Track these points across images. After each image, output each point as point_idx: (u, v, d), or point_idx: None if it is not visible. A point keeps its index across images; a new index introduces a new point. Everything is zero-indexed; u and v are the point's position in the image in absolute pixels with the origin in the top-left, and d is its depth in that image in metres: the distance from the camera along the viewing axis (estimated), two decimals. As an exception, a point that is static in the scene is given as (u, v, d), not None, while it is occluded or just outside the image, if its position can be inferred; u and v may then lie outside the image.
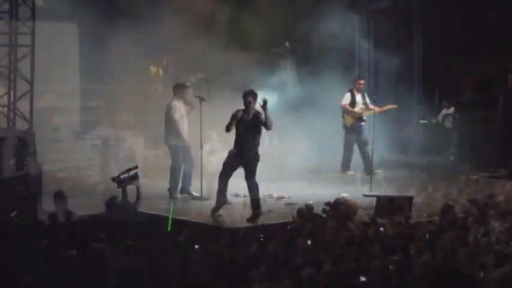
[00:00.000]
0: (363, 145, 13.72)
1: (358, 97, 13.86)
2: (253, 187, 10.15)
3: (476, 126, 14.93)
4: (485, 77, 16.00)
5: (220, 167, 10.38)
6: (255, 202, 10.14)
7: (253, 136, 10.10)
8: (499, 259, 6.36)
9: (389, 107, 14.02)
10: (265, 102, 9.90)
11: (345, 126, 13.92)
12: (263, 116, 9.96)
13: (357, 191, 11.88)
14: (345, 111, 13.81)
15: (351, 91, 13.88)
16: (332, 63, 14.66)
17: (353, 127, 13.80)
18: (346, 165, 13.92)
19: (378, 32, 16.08)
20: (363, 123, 13.88)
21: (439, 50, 16.01)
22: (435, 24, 15.73)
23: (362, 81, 14.13)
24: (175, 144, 11.73)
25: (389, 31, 15.61)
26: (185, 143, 11.73)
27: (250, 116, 10.10)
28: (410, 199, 10.64)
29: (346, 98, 13.83)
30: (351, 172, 13.82)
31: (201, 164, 11.63)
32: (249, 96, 10.09)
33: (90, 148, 13.51)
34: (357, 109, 13.77)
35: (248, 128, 10.10)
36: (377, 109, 13.71)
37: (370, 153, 13.29)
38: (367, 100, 13.92)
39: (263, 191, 10.70)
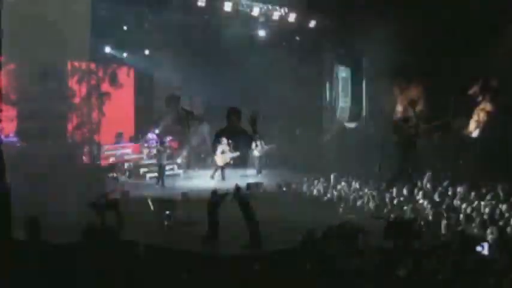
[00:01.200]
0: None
1: (410, 110, 12.83)
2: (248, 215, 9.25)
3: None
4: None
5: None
6: (253, 228, 9.21)
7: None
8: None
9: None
10: (253, 119, 9.02)
11: (394, 142, 12.89)
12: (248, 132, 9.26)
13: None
14: (395, 127, 12.78)
15: (400, 103, 12.84)
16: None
17: (405, 143, 12.69)
18: (391, 182, 12.78)
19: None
20: (414, 140, 12.78)
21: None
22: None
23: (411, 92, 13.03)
24: None
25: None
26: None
27: (235, 134, 9.41)
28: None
29: (397, 112, 12.79)
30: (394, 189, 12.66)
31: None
32: (233, 114, 9.35)
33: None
34: (410, 124, 12.81)
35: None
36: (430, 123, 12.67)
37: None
38: (417, 113, 12.90)
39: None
